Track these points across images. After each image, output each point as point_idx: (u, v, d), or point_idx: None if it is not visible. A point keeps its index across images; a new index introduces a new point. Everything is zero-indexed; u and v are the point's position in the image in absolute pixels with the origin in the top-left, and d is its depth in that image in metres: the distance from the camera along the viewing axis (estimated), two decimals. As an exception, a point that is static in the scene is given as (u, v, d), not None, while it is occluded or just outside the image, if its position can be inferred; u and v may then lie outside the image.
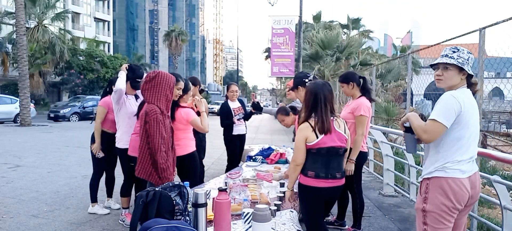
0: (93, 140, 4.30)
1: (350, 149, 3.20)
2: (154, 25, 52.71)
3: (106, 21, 43.88)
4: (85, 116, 21.14)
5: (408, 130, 2.21)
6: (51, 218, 4.19)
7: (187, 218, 2.15)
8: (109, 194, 4.54)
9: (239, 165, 4.94)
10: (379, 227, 4.17)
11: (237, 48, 70.19)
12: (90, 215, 4.29)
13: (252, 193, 2.89)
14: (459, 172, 2.08)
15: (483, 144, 8.62)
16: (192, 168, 3.47)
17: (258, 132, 17.43)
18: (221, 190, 2.12)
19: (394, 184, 5.74)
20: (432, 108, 2.14)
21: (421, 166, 2.46)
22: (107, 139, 4.23)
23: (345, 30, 22.70)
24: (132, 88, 3.80)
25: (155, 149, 2.72)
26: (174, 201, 2.13)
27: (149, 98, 2.85)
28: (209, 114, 3.61)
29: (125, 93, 3.78)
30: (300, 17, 15.09)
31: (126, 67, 3.80)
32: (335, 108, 2.68)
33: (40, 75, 26.40)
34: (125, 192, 3.98)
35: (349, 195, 3.77)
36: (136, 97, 3.92)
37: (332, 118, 2.59)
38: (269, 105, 45.27)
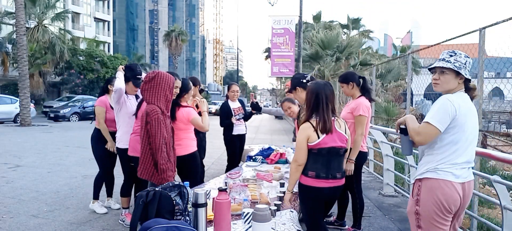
0: (93, 141, 4.32)
1: (350, 148, 3.20)
2: (154, 25, 52.71)
3: (106, 21, 43.88)
4: (85, 116, 21.15)
5: (404, 131, 2.20)
6: (51, 218, 4.19)
7: (187, 218, 2.15)
8: (109, 193, 4.54)
9: (239, 165, 4.94)
10: (379, 227, 4.17)
11: (237, 48, 70.18)
12: (90, 215, 4.29)
13: (252, 193, 2.89)
14: (452, 175, 2.05)
15: (483, 144, 8.62)
16: (193, 168, 3.47)
17: (258, 132, 17.44)
18: (221, 190, 2.12)
19: (394, 184, 5.74)
20: None
21: None
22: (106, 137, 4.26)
23: (345, 30, 22.71)
24: (135, 86, 3.78)
25: (156, 149, 2.72)
26: (174, 201, 2.13)
27: (149, 98, 2.85)
28: (209, 114, 3.63)
29: (126, 93, 3.78)
30: (300, 17, 15.09)
31: (122, 68, 3.81)
32: (335, 108, 2.68)
33: (40, 75, 26.39)
34: (125, 192, 3.98)
35: (349, 195, 3.77)
36: (137, 97, 3.92)
37: (333, 118, 2.59)
38: (269, 105, 45.25)
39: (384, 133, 5.97)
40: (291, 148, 4.95)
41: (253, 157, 4.62)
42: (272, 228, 2.15)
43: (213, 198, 2.18)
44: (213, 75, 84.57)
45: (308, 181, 2.55)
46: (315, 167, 2.53)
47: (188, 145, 3.43)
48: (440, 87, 2.14)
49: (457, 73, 2.08)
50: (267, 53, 25.83)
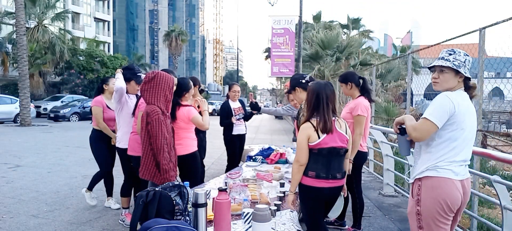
0: (92, 142, 4.37)
1: None
2: (154, 25, 52.71)
3: (106, 21, 43.88)
4: (85, 115, 21.14)
5: (402, 132, 2.20)
6: (51, 218, 4.19)
7: (187, 218, 2.15)
8: (109, 193, 4.55)
9: (239, 165, 4.94)
10: (379, 227, 4.17)
11: (237, 48, 70.09)
12: (90, 215, 4.29)
13: (252, 193, 2.89)
14: (452, 173, 2.05)
15: (483, 144, 8.62)
16: (193, 168, 3.47)
17: (258, 132, 17.44)
18: (221, 190, 2.12)
19: (394, 184, 5.74)
20: None
21: None
22: (105, 137, 4.28)
23: (345, 30, 22.69)
24: (137, 83, 3.79)
25: (158, 149, 2.72)
26: (174, 201, 2.13)
27: (149, 98, 2.85)
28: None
29: (127, 93, 3.79)
30: (300, 17, 15.09)
31: (120, 71, 3.83)
32: (337, 108, 2.68)
33: (40, 75, 26.39)
34: (125, 192, 3.99)
35: (349, 195, 3.77)
36: (138, 97, 3.92)
37: (333, 118, 2.59)
38: (269, 105, 45.26)
39: (384, 133, 5.97)
40: (291, 148, 4.95)
41: (253, 157, 4.62)
42: (272, 228, 2.15)
43: (213, 198, 2.18)
44: (213, 75, 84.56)
45: (308, 181, 2.55)
46: (315, 167, 2.53)
47: (189, 145, 3.43)
48: (439, 86, 2.14)
49: (457, 72, 2.07)
50: (267, 53, 25.82)
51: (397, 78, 17.83)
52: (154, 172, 2.79)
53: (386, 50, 44.93)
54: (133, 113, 3.48)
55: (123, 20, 48.13)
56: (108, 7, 44.52)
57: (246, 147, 5.69)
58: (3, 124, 17.79)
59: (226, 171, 5.16)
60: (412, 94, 13.20)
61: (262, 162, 4.50)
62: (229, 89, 5.50)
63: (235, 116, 5.30)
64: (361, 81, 3.66)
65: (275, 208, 2.58)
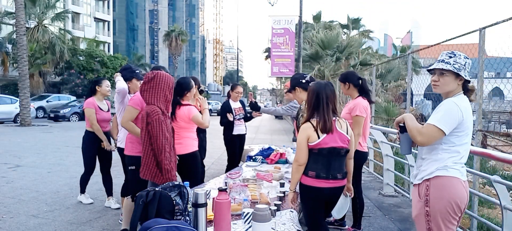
0: (82, 141, 4.47)
1: None
2: (154, 25, 52.71)
3: (106, 21, 43.87)
4: (85, 116, 21.15)
5: (403, 129, 2.19)
6: (51, 218, 4.19)
7: (187, 218, 2.15)
8: (109, 193, 4.57)
9: (239, 165, 4.94)
10: (379, 227, 4.17)
11: (237, 48, 70.07)
12: (90, 215, 4.29)
13: (252, 193, 2.89)
14: (459, 173, 2.07)
15: (483, 144, 8.62)
16: (193, 168, 3.47)
17: (258, 132, 17.43)
18: (221, 190, 2.12)
19: (394, 184, 5.74)
20: (433, 109, 2.14)
21: None
22: (97, 138, 4.39)
23: (345, 30, 22.70)
24: (138, 79, 3.80)
25: (159, 150, 2.72)
26: (174, 201, 2.13)
27: (149, 99, 2.85)
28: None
29: (129, 93, 3.79)
30: (300, 17, 15.08)
31: (118, 74, 3.86)
32: (337, 108, 2.67)
33: (40, 75, 26.39)
34: (125, 192, 3.98)
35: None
36: None
37: (334, 118, 2.58)
38: (269, 105, 45.24)
39: (384, 133, 5.97)
40: (291, 148, 4.95)
41: (253, 157, 4.62)
42: (272, 228, 2.15)
43: (213, 198, 2.18)
44: (213, 75, 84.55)
45: (308, 180, 2.55)
46: (316, 167, 2.53)
47: (189, 144, 3.43)
48: (439, 89, 2.13)
49: (457, 75, 2.07)
50: (267, 53, 25.82)
51: (397, 78, 17.84)
52: (155, 172, 2.79)
53: (386, 50, 44.97)
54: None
55: (123, 20, 48.13)
56: (108, 7, 44.52)
57: (246, 147, 5.70)
58: (3, 124, 17.79)
59: (226, 171, 5.16)
60: (412, 94, 13.18)
61: (262, 162, 4.50)
62: (232, 89, 5.51)
63: (235, 115, 5.31)
64: (360, 81, 3.66)
65: (275, 208, 2.58)
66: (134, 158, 3.29)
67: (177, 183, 2.26)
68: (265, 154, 4.69)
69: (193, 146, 3.48)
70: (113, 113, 4.35)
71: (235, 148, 5.37)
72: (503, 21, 3.47)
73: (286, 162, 4.45)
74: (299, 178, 2.60)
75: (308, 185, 2.55)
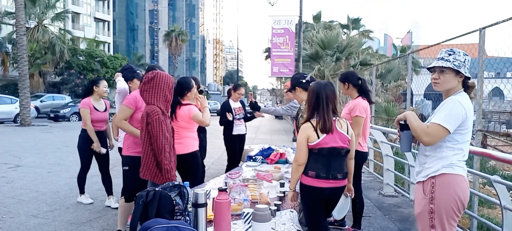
0: (80, 139, 4.54)
1: None
2: (154, 25, 52.69)
3: (106, 21, 43.86)
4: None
5: (403, 127, 2.19)
6: (51, 218, 4.19)
7: (187, 218, 2.15)
8: (109, 192, 4.61)
9: (239, 165, 4.94)
10: (379, 227, 4.17)
11: (237, 48, 70.10)
12: (90, 215, 4.29)
13: (252, 193, 2.89)
14: (463, 170, 2.10)
15: (483, 144, 8.62)
16: (193, 167, 3.47)
17: (258, 132, 17.43)
18: (221, 190, 2.12)
19: (394, 184, 5.74)
20: (433, 108, 2.14)
21: None
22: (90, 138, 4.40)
23: (345, 30, 22.70)
24: (139, 79, 3.82)
25: (159, 150, 2.72)
26: (174, 201, 2.13)
27: (149, 99, 2.85)
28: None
29: (130, 92, 3.80)
30: (300, 17, 15.09)
31: (119, 74, 3.87)
32: (338, 108, 2.67)
33: (40, 75, 26.40)
34: (125, 192, 3.98)
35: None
36: None
37: (334, 118, 2.58)
38: (269, 105, 45.23)
39: (384, 133, 5.97)
40: (291, 148, 4.95)
41: (253, 157, 4.62)
42: (272, 228, 2.15)
43: (213, 198, 2.18)
44: (213, 75, 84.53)
45: (308, 180, 2.55)
46: (316, 167, 2.53)
47: (189, 144, 3.43)
48: (440, 87, 2.14)
49: (457, 72, 2.08)
50: (267, 53, 25.82)
51: (397, 78, 17.83)
52: (155, 172, 2.79)
53: (386, 50, 44.97)
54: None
55: (123, 20, 48.12)
56: (108, 7, 44.51)
57: (246, 147, 5.70)
58: (3, 124, 17.78)
59: (226, 171, 5.16)
60: (412, 94, 13.18)
61: (262, 162, 4.50)
62: (235, 90, 5.51)
63: (235, 115, 5.31)
64: (359, 82, 3.66)
65: (275, 208, 2.58)
66: (127, 158, 3.28)
67: (177, 183, 2.26)
68: (265, 154, 4.69)
69: (193, 146, 3.48)
70: (113, 113, 4.37)
71: (235, 148, 5.37)
72: (503, 21, 3.47)
73: (286, 162, 4.45)
74: (299, 178, 2.60)
75: (308, 185, 2.55)
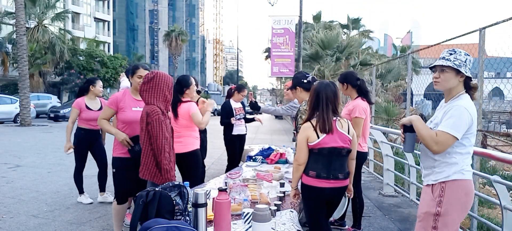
0: (75, 137, 4.61)
1: None
2: (154, 25, 52.69)
3: (106, 21, 43.87)
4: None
5: (408, 129, 2.19)
6: (51, 218, 4.19)
7: (187, 218, 2.15)
8: (102, 188, 4.76)
9: (239, 165, 4.94)
10: (379, 227, 4.17)
11: (237, 48, 70.08)
12: (90, 215, 4.29)
13: (252, 193, 2.89)
14: (470, 174, 2.12)
15: (483, 144, 8.61)
16: (193, 166, 3.47)
17: (258, 132, 17.43)
18: (221, 190, 2.12)
19: (394, 184, 5.74)
20: (433, 108, 2.14)
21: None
22: (87, 135, 4.55)
23: (345, 30, 22.68)
24: None
25: (159, 150, 2.72)
26: (174, 201, 2.13)
27: (148, 99, 2.84)
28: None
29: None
30: (300, 17, 15.09)
31: (123, 74, 3.90)
32: (339, 109, 2.66)
33: (40, 75, 26.41)
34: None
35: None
36: None
37: (335, 118, 2.58)
38: (268, 105, 45.22)
39: (384, 133, 5.97)
40: (291, 148, 4.95)
41: (253, 157, 4.62)
42: (272, 228, 2.15)
43: (213, 198, 2.18)
44: (213, 75, 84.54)
45: (309, 180, 2.55)
46: (316, 167, 2.53)
47: (189, 143, 3.43)
48: (440, 86, 2.15)
49: (458, 72, 2.08)
50: (267, 53, 25.80)
51: (397, 78, 17.82)
52: (154, 172, 2.78)
53: (386, 50, 44.97)
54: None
55: (123, 20, 48.13)
56: (108, 7, 44.51)
57: (246, 147, 5.70)
58: (3, 124, 17.78)
59: (226, 171, 5.16)
60: (412, 94, 13.18)
61: (262, 162, 4.50)
62: (239, 91, 5.51)
63: (235, 115, 5.31)
64: (358, 82, 3.66)
65: (275, 208, 2.58)
66: (115, 159, 3.21)
67: (177, 183, 2.26)
68: (265, 154, 4.69)
69: (193, 145, 3.48)
70: None
71: (235, 148, 5.37)
72: (503, 21, 3.47)
73: (286, 162, 4.45)
74: (300, 177, 2.61)
75: (309, 185, 2.55)
